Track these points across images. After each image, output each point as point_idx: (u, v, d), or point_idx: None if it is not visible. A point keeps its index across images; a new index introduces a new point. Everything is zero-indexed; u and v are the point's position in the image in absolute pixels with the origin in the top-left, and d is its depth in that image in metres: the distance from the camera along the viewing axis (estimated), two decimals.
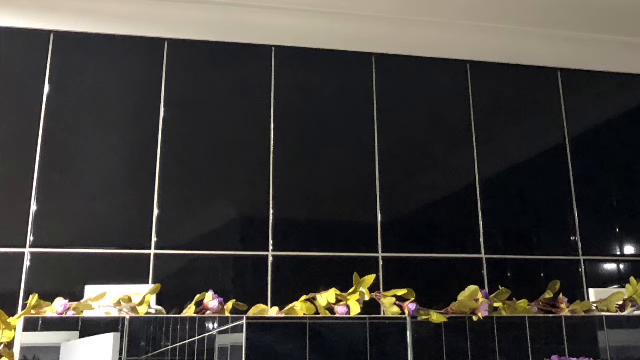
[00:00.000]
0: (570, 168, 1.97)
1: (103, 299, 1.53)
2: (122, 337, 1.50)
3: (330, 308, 1.62)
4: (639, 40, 2.10)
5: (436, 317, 1.63)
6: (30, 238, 1.62)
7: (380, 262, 1.78)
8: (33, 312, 1.49)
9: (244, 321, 1.56)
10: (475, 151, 1.92)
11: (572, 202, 1.94)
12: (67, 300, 1.51)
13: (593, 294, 1.84)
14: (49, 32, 1.75)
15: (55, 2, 1.76)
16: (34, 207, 1.64)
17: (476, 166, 1.91)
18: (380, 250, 1.79)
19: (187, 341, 1.56)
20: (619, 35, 2.07)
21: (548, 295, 1.77)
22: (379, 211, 1.81)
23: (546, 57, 2.03)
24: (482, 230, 1.86)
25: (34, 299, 1.50)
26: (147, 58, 1.80)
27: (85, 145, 1.71)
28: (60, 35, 1.76)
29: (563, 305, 1.76)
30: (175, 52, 1.81)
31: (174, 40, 1.82)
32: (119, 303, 1.53)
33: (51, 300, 1.52)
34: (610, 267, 1.94)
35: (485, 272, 1.83)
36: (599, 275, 1.91)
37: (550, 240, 1.91)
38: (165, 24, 1.82)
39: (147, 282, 1.63)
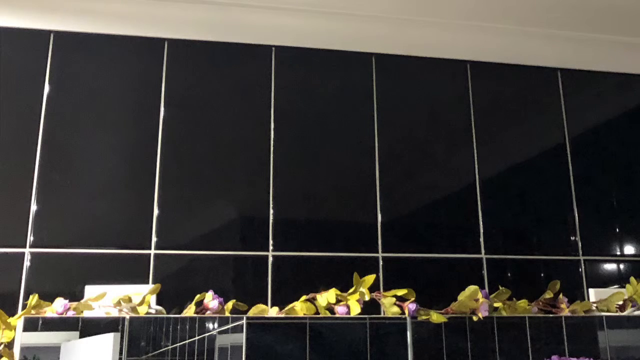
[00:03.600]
0: (570, 168, 1.97)
1: (103, 299, 1.53)
2: (122, 337, 1.50)
3: (330, 308, 1.62)
4: (639, 40, 2.10)
5: (436, 317, 1.63)
6: (30, 238, 1.62)
7: (380, 262, 1.77)
8: (33, 312, 1.50)
9: (244, 321, 1.56)
10: (475, 151, 1.92)
11: (572, 202, 1.94)
12: (67, 300, 1.51)
13: (593, 293, 1.84)
14: (49, 32, 1.75)
15: (55, 2, 1.76)
16: (34, 207, 1.64)
17: (476, 166, 1.91)
18: (380, 250, 1.78)
19: (187, 341, 1.57)
20: (619, 35, 2.07)
21: (548, 295, 1.77)
22: (379, 211, 1.81)
23: (546, 57, 2.03)
24: (482, 230, 1.86)
25: (34, 299, 1.50)
26: (147, 58, 1.80)
27: (85, 145, 1.71)
28: (60, 35, 1.76)
29: (563, 305, 1.77)
30: (175, 52, 1.81)
31: (174, 40, 1.81)
32: (119, 303, 1.53)
33: (51, 300, 1.52)
34: (610, 267, 1.94)
35: (485, 272, 1.83)
36: (599, 275, 1.91)
37: (550, 240, 1.91)
38: (165, 24, 1.81)
39: (147, 282, 1.63)
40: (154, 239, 1.67)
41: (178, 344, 1.56)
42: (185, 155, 1.75)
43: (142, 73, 1.79)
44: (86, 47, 1.77)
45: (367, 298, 1.63)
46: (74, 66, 1.75)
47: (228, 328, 1.57)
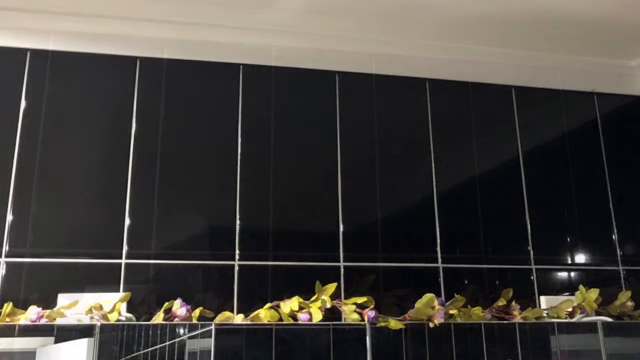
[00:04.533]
0: (523, 180, 2.05)
1: (75, 307, 1.59)
2: (96, 343, 1.56)
3: (293, 315, 1.69)
4: (589, 60, 2.20)
5: (394, 323, 1.70)
6: (5, 248, 1.67)
7: (342, 271, 1.84)
8: (7, 319, 1.55)
9: (213, 327, 1.62)
10: (433, 164, 2.00)
11: (524, 213, 2.01)
12: (41, 308, 1.57)
13: (544, 301, 1.92)
14: (26, 50, 1.81)
15: (30, 23, 1.82)
16: (9, 217, 1.69)
17: (434, 178, 1.98)
18: (341, 259, 1.86)
19: (157, 346, 1.63)
20: (573, 55, 2.17)
21: (501, 302, 1.85)
22: (340, 222, 1.88)
23: (501, 74, 2.12)
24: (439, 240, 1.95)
25: (8, 307, 1.56)
26: (120, 75, 1.86)
27: (60, 159, 1.77)
28: (36, 53, 1.82)
29: (515, 312, 1.84)
30: (147, 70, 1.87)
31: (146, 58, 1.87)
32: (90, 310, 1.59)
33: (25, 307, 1.58)
34: (560, 275, 2.01)
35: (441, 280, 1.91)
36: (550, 283, 1.98)
37: (504, 250, 1.98)
38: (137, 43, 1.88)
39: (118, 290, 1.69)
40: (125, 248, 1.73)
41: (149, 349, 1.62)
42: (156, 167, 1.81)
43: (116, 89, 1.85)
44: (61, 64, 1.83)
45: (328, 305, 1.71)
46: (50, 83, 1.81)
47: (197, 334, 1.63)
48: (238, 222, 1.81)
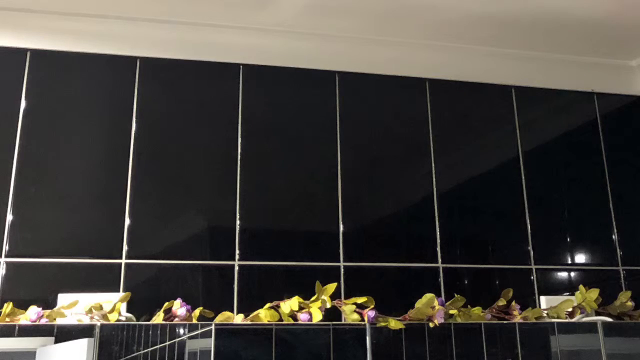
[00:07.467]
0: (523, 181, 2.05)
1: (75, 307, 1.59)
2: (97, 343, 1.56)
3: (293, 315, 1.69)
4: (589, 60, 2.20)
5: (394, 323, 1.70)
6: (5, 248, 1.67)
7: (342, 271, 1.84)
8: (7, 319, 1.55)
9: (213, 327, 1.62)
10: (433, 164, 2.00)
11: (524, 213, 2.01)
12: (41, 308, 1.57)
13: (544, 301, 1.92)
14: (26, 50, 1.81)
15: (32, 22, 1.82)
16: (9, 218, 1.69)
17: (434, 179, 1.98)
18: (341, 259, 1.86)
19: (157, 346, 1.63)
20: (571, 55, 2.17)
21: (501, 302, 1.85)
22: (340, 222, 1.88)
23: (501, 74, 2.12)
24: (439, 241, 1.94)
25: (8, 307, 1.56)
26: (119, 75, 1.86)
27: (60, 159, 1.77)
28: (36, 53, 1.81)
29: (516, 312, 1.84)
30: (147, 70, 1.87)
31: (146, 58, 1.88)
32: (90, 311, 1.59)
33: (25, 307, 1.58)
34: (560, 275, 2.01)
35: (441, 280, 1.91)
36: (549, 283, 1.98)
37: (504, 250, 1.99)
38: (137, 42, 1.88)
39: (118, 291, 1.69)
40: (125, 248, 1.73)
41: (149, 349, 1.62)
42: (156, 168, 1.81)
43: (115, 90, 1.85)
44: (61, 64, 1.83)
45: (328, 305, 1.71)
46: (50, 83, 1.81)
47: (197, 334, 1.64)
48: (238, 222, 1.81)
